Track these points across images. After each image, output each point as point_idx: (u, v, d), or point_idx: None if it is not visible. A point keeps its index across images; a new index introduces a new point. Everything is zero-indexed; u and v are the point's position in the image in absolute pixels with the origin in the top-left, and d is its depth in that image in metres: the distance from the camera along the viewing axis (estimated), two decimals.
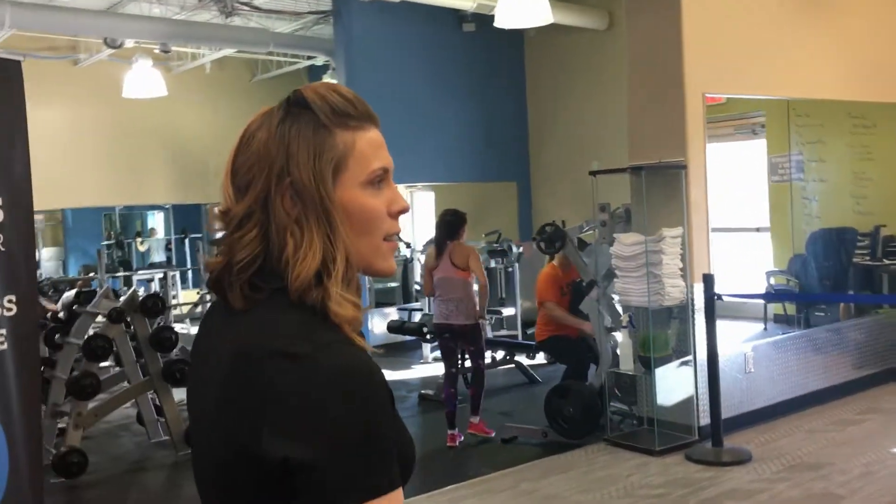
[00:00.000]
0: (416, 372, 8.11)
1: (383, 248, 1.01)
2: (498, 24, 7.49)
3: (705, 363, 4.76)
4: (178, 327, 11.20)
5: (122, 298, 5.94)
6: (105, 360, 5.45)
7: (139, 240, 14.15)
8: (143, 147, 12.06)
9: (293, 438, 0.84)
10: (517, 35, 9.97)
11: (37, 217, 12.80)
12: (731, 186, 8.71)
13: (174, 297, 11.24)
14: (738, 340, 6.21)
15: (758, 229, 8.22)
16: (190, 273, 13.27)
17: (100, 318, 5.80)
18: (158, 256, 14.15)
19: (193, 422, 1.04)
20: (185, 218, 13.97)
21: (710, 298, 4.61)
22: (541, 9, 7.39)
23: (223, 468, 0.94)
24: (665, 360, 5.01)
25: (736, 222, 8.58)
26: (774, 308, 7.41)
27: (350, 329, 0.93)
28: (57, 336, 5.92)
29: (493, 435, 5.51)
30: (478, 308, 5.42)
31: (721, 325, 7.76)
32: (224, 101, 12.68)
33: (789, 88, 5.55)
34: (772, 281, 7.23)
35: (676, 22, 4.85)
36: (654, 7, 4.99)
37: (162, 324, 6.98)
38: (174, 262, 13.63)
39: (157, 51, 9.43)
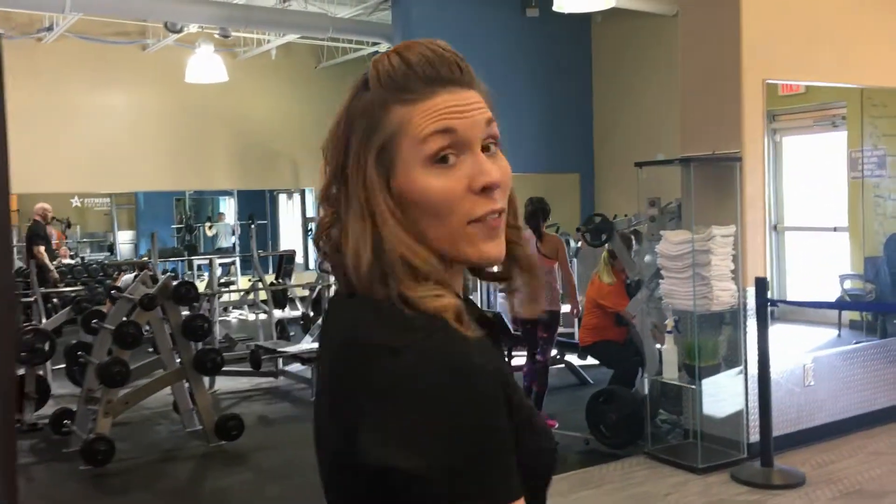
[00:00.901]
0: None
1: (468, 232, 0.87)
2: (557, 7, 7.16)
3: (756, 374, 4.36)
4: (235, 314, 11.31)
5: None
6: (135, 347, 5.37)
7: (208, 224, 14.30)
8: (208, 133, 12.14)
9: (394, 444, 0.76)
10: (583, 21, 9.57)
11: (105, 200, 13.06)
12: (808, 182, 8.17)
13: (233, 284, 11.29)
14: (808, 348, 5.75)
15: (835, 229, 7.67)
16: (256, 258, 13.32)
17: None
18: (226, 242, 14.29)
19: (315, 416, 0.96)
20: (252, 204, 14.05)
21: (763, 304, 4.21)
22: None
23: (325, 471, 0.90)
24: (713, 370, 4.62)
25: (813, 221, 8.04)
26: (850, 313, 6.86)
27: (452, 316, 0.83)
28: (94, 321, 5.89)
29: (556, 426, 5.36)
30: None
31: (791, 331, 7.28)
32: (289, 88, 12.67)
33: (864, 76, 5.05)
34: (846, 285, 6.68)
35: (734, 4, 4.43)
36: None
37: (201, 311, 6.95)
38: (238, 249, 13.74)
39: (216, 35, 9.40)
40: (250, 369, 7.23)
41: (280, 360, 7.33)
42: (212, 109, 11.93)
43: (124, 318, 5.48)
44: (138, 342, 5.38)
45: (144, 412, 6.48)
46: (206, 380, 7.14)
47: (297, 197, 13.89)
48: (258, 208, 14.04)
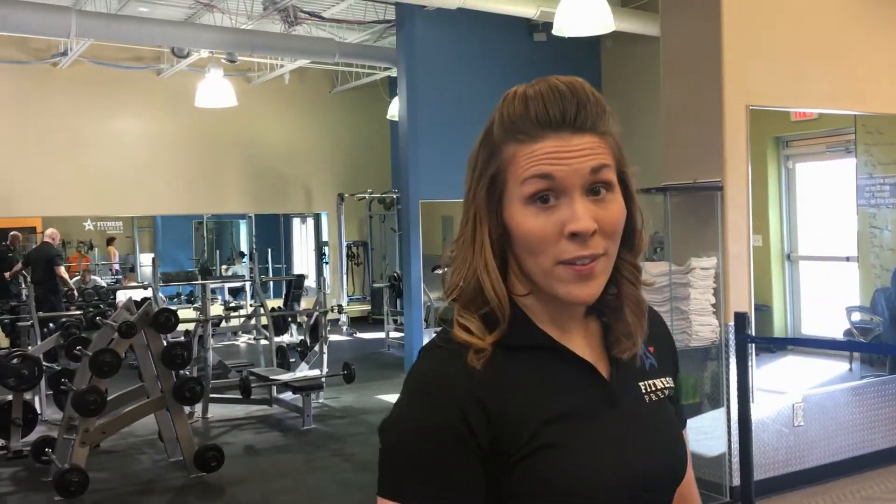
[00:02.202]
0: None
1: (557, 272, 0.92)
2: (556, 31, 7.05)
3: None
4: (243, 338, 11.27)
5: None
6: (112, 375, 5.29)
7: (224, 267, 14.34)
8: (223, 157, 12.21)
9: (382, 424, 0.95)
10: (593, 45, 9.45)
11: (117, 224, 13.22)
12: (822, 210, 7.91)
13: (241, 308, 11.25)
14: (816, 382, 5.51)
15: (847, 259, 7.40)
16: (272, 284, 13.29)
17: None
18: (242, 269, 14.30)
19: None
20: (268, 228, 14.06)
21: (742, 341, 4.01)
22: (603, 16, 6.89)
23: None
24: (695, 408, 4.41)
25: (827, 250, 7.78)
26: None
27: (472, 349, 0.93)
28: (77, 348, 5.85)
29: None
30: None
31: (801, 363, 7.01)
32: (303, 112, 12.70)
33: (858, 102, 4.83)
34: (854, 318, 6.41)
35: (716, 23, 4.27)
36: (691, 5, 4.42)
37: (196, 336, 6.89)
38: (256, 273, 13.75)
39: (223, 59, 9.44)
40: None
41: (274, 388, 7.23)
42: (226, 134, 11.99)
43: (103, 347, 5.42)
44: (115, 370, 5.31)
45: (132, 440, 6.42)
46: (199, 407, 7.13)
47: (310, 221, 13.87)
48: (272, 232, 14.05)
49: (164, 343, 5.67)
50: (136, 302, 6.60)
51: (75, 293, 10.21)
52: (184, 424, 5.62)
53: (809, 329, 7.59)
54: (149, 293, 9.08)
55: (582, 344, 0.99)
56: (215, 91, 9.81)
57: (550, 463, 0.92)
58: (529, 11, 8.05)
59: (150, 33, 8.70)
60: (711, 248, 4.33)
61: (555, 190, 0.90)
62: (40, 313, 7.56)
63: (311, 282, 12.36)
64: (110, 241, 13.50)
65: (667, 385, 1.04)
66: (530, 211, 0.91)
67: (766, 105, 4.44)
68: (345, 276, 12.63)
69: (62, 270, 9.49)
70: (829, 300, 7.42)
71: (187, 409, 6.77)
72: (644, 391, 1.01)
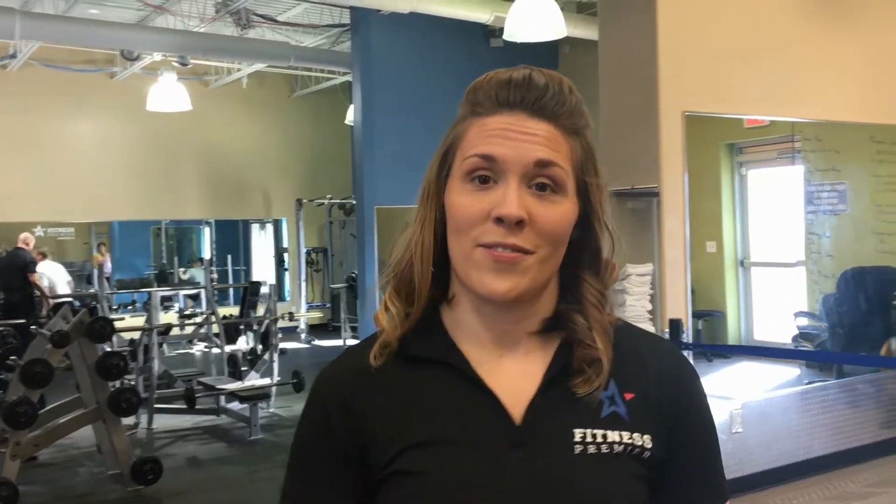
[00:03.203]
0: None
1: (476, 256, 0.84)
2: (508, 37, 7.03)
3: None
4: (200, 346, 11.09)
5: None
6: (43, 386, 5.15)
7: (182, 270, 14.11)
8: (180, 162, 12.04)
9: None
10: (550, 50, 9.43)
11: (69, 230, 12.93)
12: (773, 216, 7.97)
13: (197, 316, 11.06)
14: (766, 387, 5.52)
15: (796, 264, 7.45)
16: (231, 291, 13.09)
17: None
18: (200, 275, 14.07)
19: None
20: (228, 234, 13.89)
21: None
22: (555, 21, 6.86)
23: None
24: None
25: (779, 256, 7.83)
26: (811, 351, 6.62)
27: (381, 338, 0.90)
28: (11, 358, 5.69)
29: None
30: None
31: (754, 368, 7.03)
32: (262, 117, 12.57)
33: (795, 109, 4.83)
34: (800, 323, 6.44)
35: (652, 29, 4.24)
36: (628, 10, 4.39)
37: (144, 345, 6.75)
38: (207, 280, 13.52)
39: (174, 63, 9.30)
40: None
41: (222, 398, 7.10)
42: (184, 138, 11.83)
43: (36, 357, 5.28)
44: (47, 381, 5.16)
45: (72, 452, 6.27)
46: (144, 418, 6.98)
47: (269, 227, 13.72)
48: (232, 238, 13.88)
49: (100, 353, 5.53)
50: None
51: (49, 301, 9.68)
52: (121, 436, 5.48)
53: (762, 334, 7.63)
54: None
55: (514, 366, 0.88)
56: (169, 95, 9.65)
57: (401, 491, 0.84)
58: (483, 17, 8.02)
59: (99, 35, 8.55)
60: (649, 254, 4.30)
61: (494, 172, 0.84)
62: None
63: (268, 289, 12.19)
64: (100, 246, 12.94)
65: (630, 442, 0.86)
66: (466, 189, 0.85)
67: (703, 111, 4.42)
68: (304, 283, 12.50)
69: (36, 277, 9.24)
70: (780, 305, 7.47)
71: (132, 419, 6.65)
72: (578, 439, 0.85)
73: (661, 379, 0.91)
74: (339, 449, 0.88)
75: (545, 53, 9.42)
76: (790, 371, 6.55)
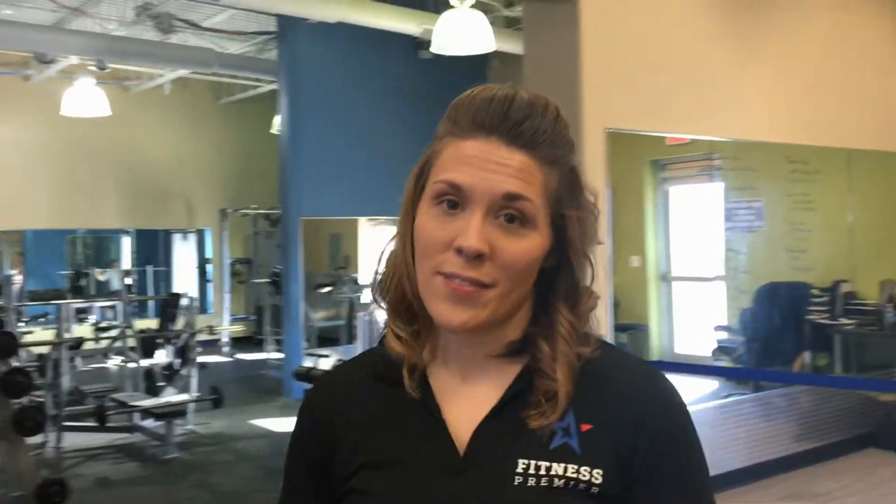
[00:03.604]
0: None
1: (435, 283, 0.83)
2: (435, 49, 6.98)
3: None
4: (116, 360, 10.70)
5: None
6: None
7: (98, 270, 13.64)
8: (98, 168, 11.65)
9: None
10: (480, 64, 9.45)
11: None
12: (694, 232, 8.14)
13: (112, 329, 10.69)
14: (687, 400, 5.57)
15: (715, 279, 7.62)
16: (151, 303, 12.71)
17: None
18: (119, 286, 13.63)
19: None
20: (150, 245, 13.49)
21: None
22: (483, 35, 6.86)
23: None
24: None
25: (699, 271, 7.99)
26: (729, 364, 6.77)
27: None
28: None
29: None
30: None
31: (678, 381, 7.17)
32: (186, 124, 12.26)
33: (715, 128, 4.92)
34: (719, 337, 6.58)
35: (574, 45, 4.26)
36: (551, 27, 4.40)
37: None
38: (135, 291, 13.09)
39: (91, 67, 8.98)
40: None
41: (136, 415, 6.85)
42: (102, 144, 11.45)
43: None
44: None
45: None
46: (53, 436, 6.68)
47: (192, 237, 13.39)
48: (154, 248, 13.49)
49: (2, 368, 5.25)
50: None
51: None
52: (24, 456, 5.20)
53: (683, 348, 7.77)
54: None
55: (474, 390, 0.87)
56: (86, 99, 9.31)
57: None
58: (411, 28, 7.98)
59: (12, 37, 8.21)
60: None
61: (461, 199, 0.83)
62: None
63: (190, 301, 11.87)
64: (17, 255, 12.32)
65: (576, 477, 0.82)
66: (433, 212, 0.84)
67: (625, 129, 4.45)
68: (227, 295, 12.23)
69: None
70: (701, 319, 7.63)
71: (40, 438, 6.35)
72: (521, 470, 0.82)
73: (627, 406, 0.87)
74: (313, 461, 0.91)
75: (475, 67, 9.44)
76: (710, 384, 6.68)
